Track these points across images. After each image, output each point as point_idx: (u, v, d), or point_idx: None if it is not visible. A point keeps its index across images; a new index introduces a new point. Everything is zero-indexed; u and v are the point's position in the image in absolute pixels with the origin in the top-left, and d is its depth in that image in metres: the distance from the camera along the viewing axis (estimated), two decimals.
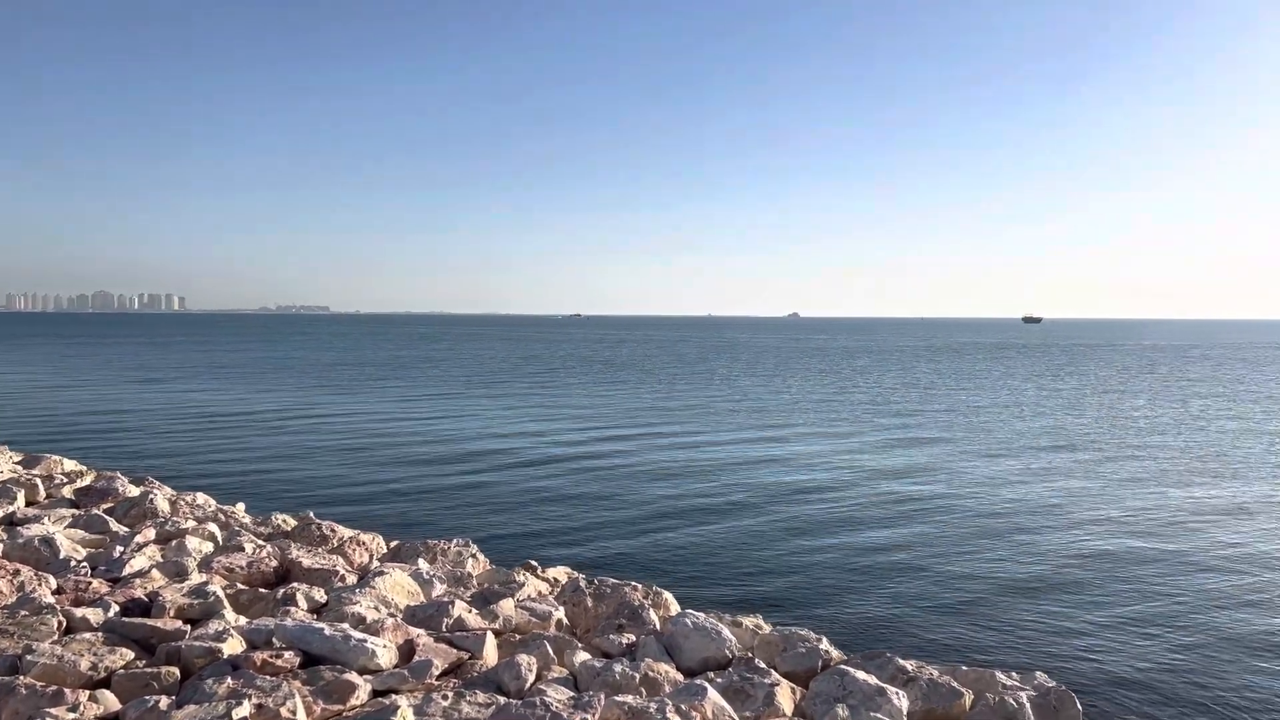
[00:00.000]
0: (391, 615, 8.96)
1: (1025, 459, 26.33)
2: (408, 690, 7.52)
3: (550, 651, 8.45)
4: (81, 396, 43.27)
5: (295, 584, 9.67)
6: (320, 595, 9.47)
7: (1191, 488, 22.04)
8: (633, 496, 20.54)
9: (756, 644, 9.35)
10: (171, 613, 8.61)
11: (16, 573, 9.38)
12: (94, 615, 8.40)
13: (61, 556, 10.46)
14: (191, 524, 12.29)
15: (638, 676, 7.90)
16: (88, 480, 15.57)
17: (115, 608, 8.63)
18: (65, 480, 15.14)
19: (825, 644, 9.16)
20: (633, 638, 9.21)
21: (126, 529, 12.27)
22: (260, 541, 11.64)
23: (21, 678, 7.01)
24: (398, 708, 6.81)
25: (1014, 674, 9.10)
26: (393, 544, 12.52)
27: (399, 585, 9.79)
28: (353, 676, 7.34)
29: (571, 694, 7.56)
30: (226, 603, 8.97)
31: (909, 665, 8.62)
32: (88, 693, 6.92)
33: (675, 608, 10.59)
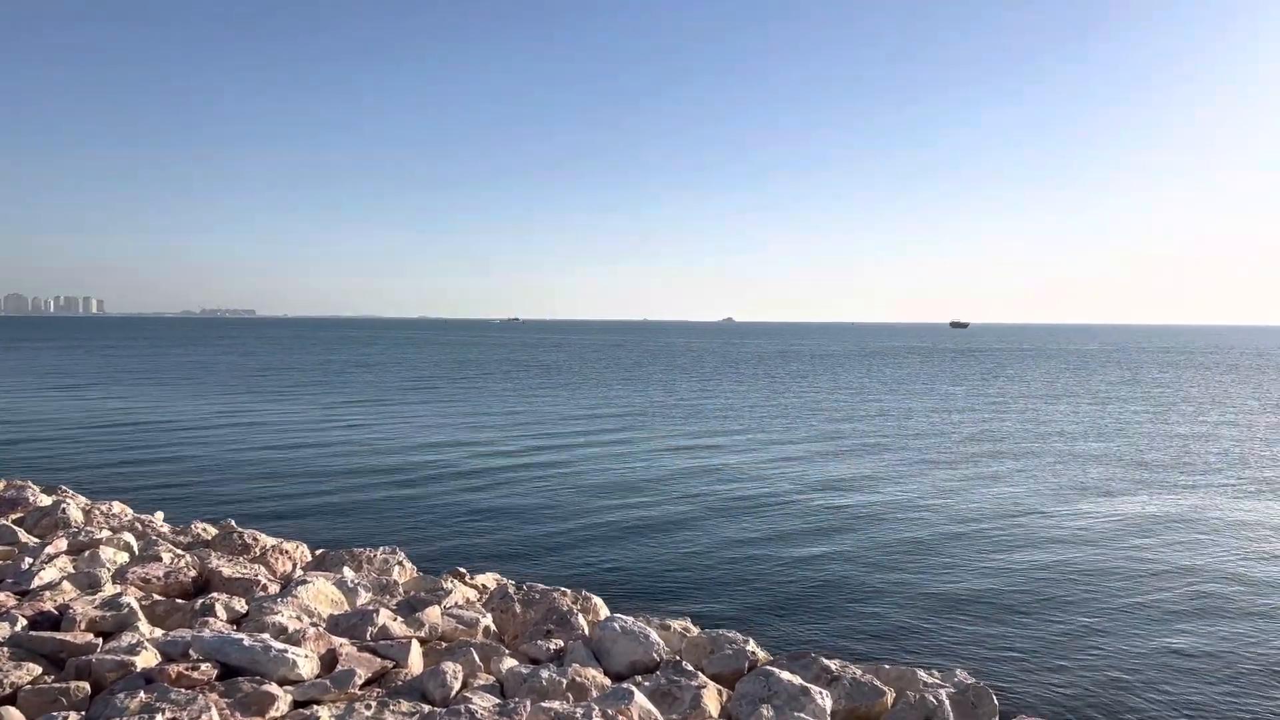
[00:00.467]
0: (314, 625, 8.79)
1: (953, 463, 26.95)
2: (330, 701, 7.39)
3: (477, 659, 8.39)
4: None
5: (215, 594, 9.44)
6: (241, 605, 9.25)
7: (1111, 492, 22.79)
8: (565, 502, 20.49)
9: (685, 647, 9.41)
10: (82, 626, 8.33)
11: None
12: None
13: None
14: (106, 534, 11.89)
15: (565, 682, 7.89)
16: None
17: (23, 621, 8.32)
18: None
19: (752, 645, 9.26)
20: (561, 643, 9.20)
21: (36, 540, 11.81)
22: (179, 551, 11.31)
23: None
24: (319, 718, 6.69)
25: (935, 672, 9.32)
26: (318, 552, 12.29)
27: (322, 594, 9.62)
28: (272, 688, 7.19)
29: (498, 701, 7.52)
30: (141, 614, 8.70)
31: (833, 665, 8.77)
32: None
33: (605, 612, 10.60)
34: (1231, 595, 14.01)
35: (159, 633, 8.38)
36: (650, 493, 21.61)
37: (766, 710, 7.63)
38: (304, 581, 9.75)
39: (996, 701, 8.36)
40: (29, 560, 10.30)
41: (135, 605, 8.73)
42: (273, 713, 7.01)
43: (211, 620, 8.69)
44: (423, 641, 8.92)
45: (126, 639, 7.88)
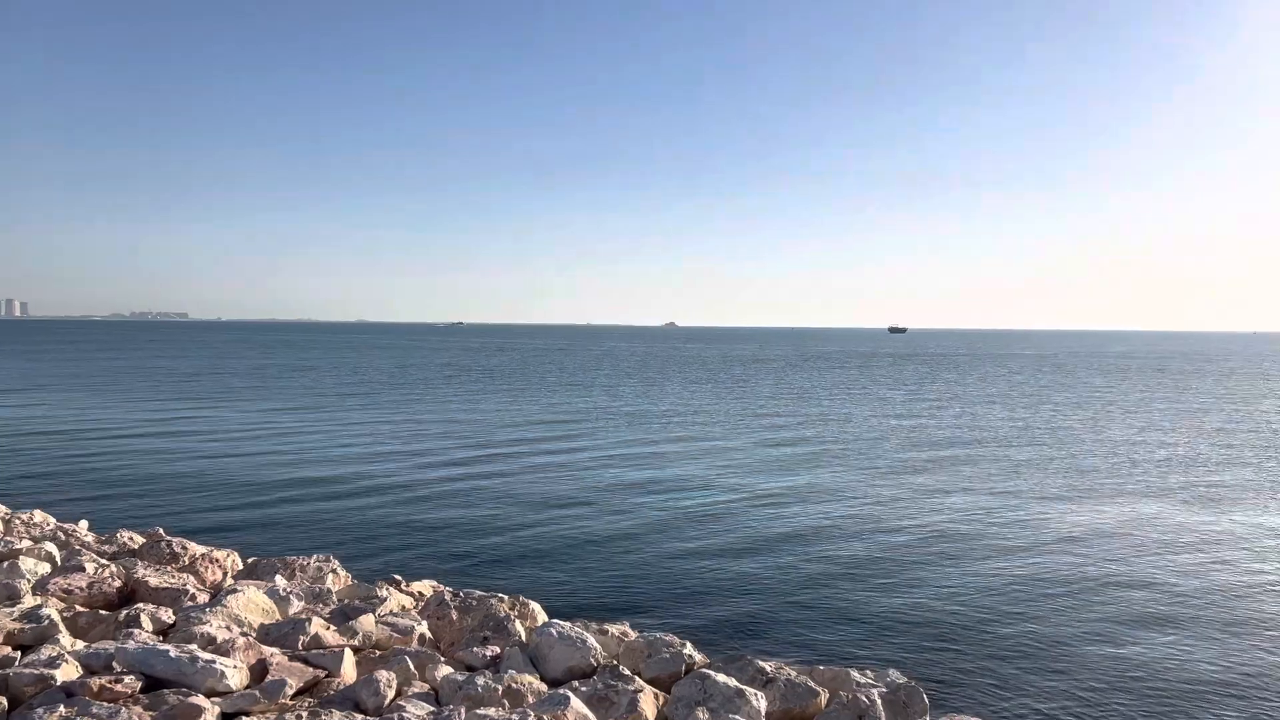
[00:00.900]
0: (244, 634, 8.63)
1: (889, 468, 27.40)
2: (259, 711, 7.26)
3: (411, 666, 8.32)
4: None
5: (141, 604, 9.22)
6: (168, 616, 9.04)
7: (1043, 489, 23.39)
8: (506, 509, 20.36)
9: (622, 651, 9.43)
10: (0, 639, 8.07)
11: None
12: None
13: None
14: (27, 544, 11.52)
15: (500, 688, 7.86)
16: None
17: None
18: None
19: (689, 649, 9.32)
20: (498, 650, 9.16)
21: None
22: (104, 561, 11.01)
23: None
24: None
25: (869, 672, 9.48)
26: (249, 561, 12.05)
27: (253, 603, 9.44)
28: (199, 699, 7.04)
29: (432, 709, 7.46)
30: (63, 626, 8.46)
31: (769, 667, 8.86)
32: None
33: (542, 618, 10.57)
34: (1157, 595, 14.48)
35: (81, 645, 8.15)
36: (591, 499, 21.58)
37: (702, 713, 7.69)
38: (234, 590, 9.56)
39: (927, 700, 8.53)
40: None
41: (56, 617, 8.49)
42: None
43: (137, 631, 8.48)
44: (356, 650, 8.80)
45: (46, 652, 7.65)
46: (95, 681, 7.12)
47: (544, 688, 8.21)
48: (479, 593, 10.73)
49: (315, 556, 11.88)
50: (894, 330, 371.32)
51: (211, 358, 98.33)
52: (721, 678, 8.17)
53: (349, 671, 8.20)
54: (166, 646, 7.70)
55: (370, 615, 9.37)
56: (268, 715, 7.22)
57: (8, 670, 7.26)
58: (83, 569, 10.40)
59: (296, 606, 9.77)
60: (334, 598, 10.35)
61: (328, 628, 8.89)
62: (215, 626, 8.55)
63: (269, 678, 7.67)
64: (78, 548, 11.91)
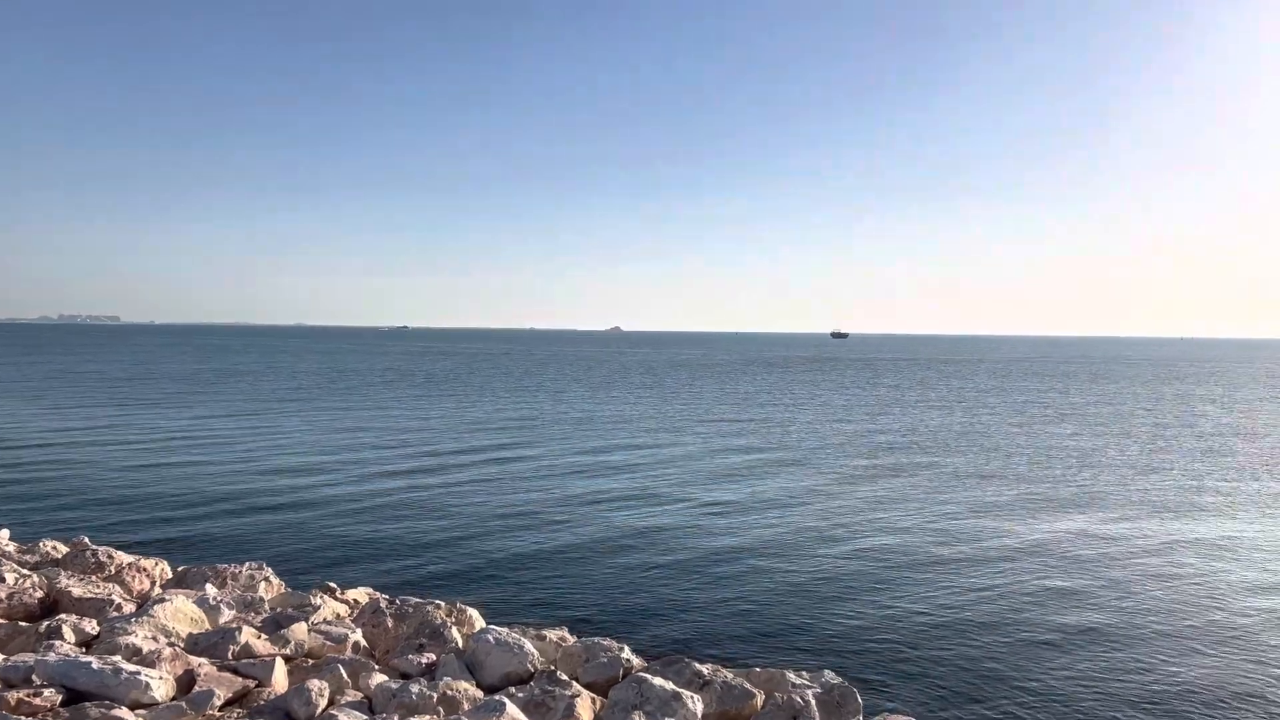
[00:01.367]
0: (171, 645, 8.43)
1: (829, 469, 27.76)
2: None
3: (345, 675, 8.20)
4: None
5: (63, 615, 8.95)
6: (92, 626, 8.79)
7: (983, 492, 23.89)
8: (445, 514, 20.19)
9: (559, 656, 9.41)
10: None
11: None
12: None
13: None
14: None
15: (435, 696, 7.79)
16: None
17: None
18: None
19: (627, 653, 9.33)
20: (434, 657, 9.07)
21: None
22: (25, 571, 10.66)
23: None
24: None
25: (804, 673, 9.58)
26: (179, 570, 11.77)
27: (181, 613, 9.22)
28: (123, 712, 6.86)
29: (366, 717, 7.37)
30: None
31: (705, 669, 8.91)
32: None
33: (480, 624, 10.50)
34: (1093, 592, 14.89)
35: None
36: (532, 508, 21.48)
37: (639, 716, 7.71)
38: (162, 600, 9.34)
39: (861, 700, 8.66)
40: None
41: None
42: None
43: (58, 643, 8.23)
44: (288, 659, 8.66)
45: None
46: (13, 695, 6.91)
47: (480, 694, 8.15)
48: (415, 600, 10.62)
49: (248, 564, 11.64)
50: (836, 335, 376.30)
51: (144, 361, 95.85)
52: (658, 681, 8.19)
53: (280, 681, 8.06)
54: (89, 658, 7.50)
55: (303, 623, 9.22)
56: None
57: None
58: (2, 579, 10.06)
59: (227, 615, 9.58)
60: (266, 606, 10.16)
61: (259, 636, 8.73)
62: (141, 637, 8.33)
63: (196, 688, 7.51)
64: None
